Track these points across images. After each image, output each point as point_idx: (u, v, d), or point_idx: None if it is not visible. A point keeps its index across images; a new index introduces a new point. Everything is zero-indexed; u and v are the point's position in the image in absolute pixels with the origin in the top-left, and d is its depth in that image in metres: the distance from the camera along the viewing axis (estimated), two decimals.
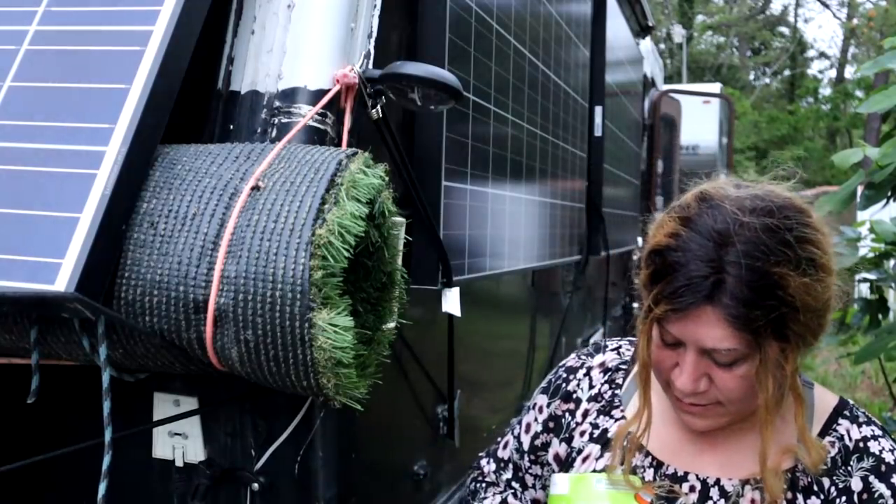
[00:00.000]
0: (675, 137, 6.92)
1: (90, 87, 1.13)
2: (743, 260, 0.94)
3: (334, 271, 1.02)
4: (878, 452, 1.02)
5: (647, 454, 1.09)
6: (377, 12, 1.38)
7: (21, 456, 1.07)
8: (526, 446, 1.21)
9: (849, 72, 25.23)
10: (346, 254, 1.02)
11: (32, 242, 1.02)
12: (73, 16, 1.19)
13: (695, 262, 0.96)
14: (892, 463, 1.01)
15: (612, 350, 1.22)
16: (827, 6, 26.04)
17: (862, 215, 5.15)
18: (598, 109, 3.39)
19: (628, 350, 1.21)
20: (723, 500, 1.04)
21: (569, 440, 1.17)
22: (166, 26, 1.14)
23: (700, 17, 26.97)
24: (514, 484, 1.22)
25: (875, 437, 1.03)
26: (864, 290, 5.92)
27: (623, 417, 1.14)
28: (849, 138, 22.52)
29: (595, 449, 1.13)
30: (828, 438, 1.03)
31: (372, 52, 1.36)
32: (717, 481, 1.05)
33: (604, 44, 3.41)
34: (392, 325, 1.24)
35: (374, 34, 1.37)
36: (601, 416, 1.16)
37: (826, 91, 26.53)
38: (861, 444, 1.03)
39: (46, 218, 1.04)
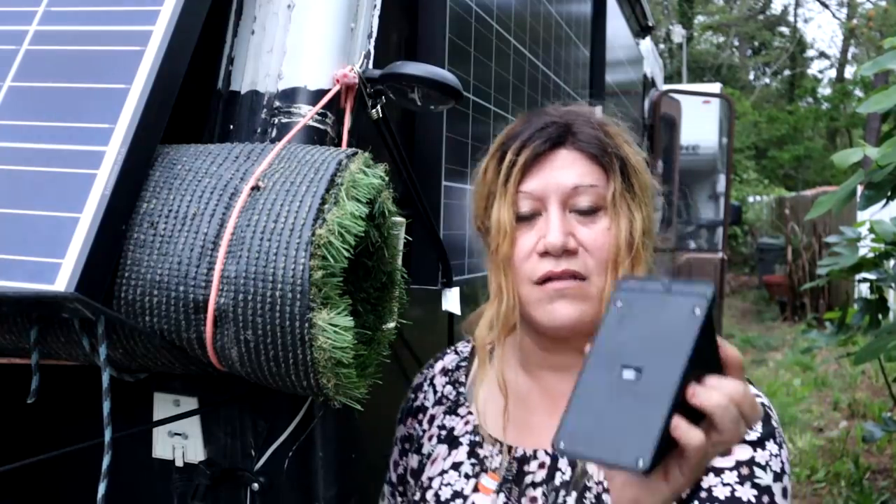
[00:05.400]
0: (675, 137, 6.92)
1: (90, 87, 1.13)
2: (584, 117, 1.11)
3: (334, 271, 1.02)
4: None
5: (496, 441, 1.10)
6: (377, 12, 1.38)
7: (21, 456, 1.07)
8: (395, 480, 1.23)
9: (849, 72, 25.23)
10: (346, 254, 1.02)
11: (32, 242, 1.02)
12: (73, 16, 1.19)
13: (542, 119, 1.10)
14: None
15: (451, 352, 1.25)
16: (826, 6, 26.04)
17: (862, 215, 5.16)
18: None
19: (465, 347, 1.23)
20: (569, 470, 1.05)
21: (419, 449, 1.18)
22: (166, 26, 1.14)
23: (700, 17, 26.96)
24: None
25: None
26: (864, 290, 5.93)
27: (470, 413, 1.15)
28: (849, 138, 22.52)
29: (443, 449, 1.14)
30: None
31: (372, 52, 1.36)
32: None
33: (604, 44, 3.41)
34: (392, 325, 1.24)
35: (374, 34, 1.37)
36: (447, 417, 1.17)
37: (826, 91, 26.53)
38: None
39: (46, 218, 1.04)
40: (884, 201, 2.38)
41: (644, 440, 0.69)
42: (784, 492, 0.99)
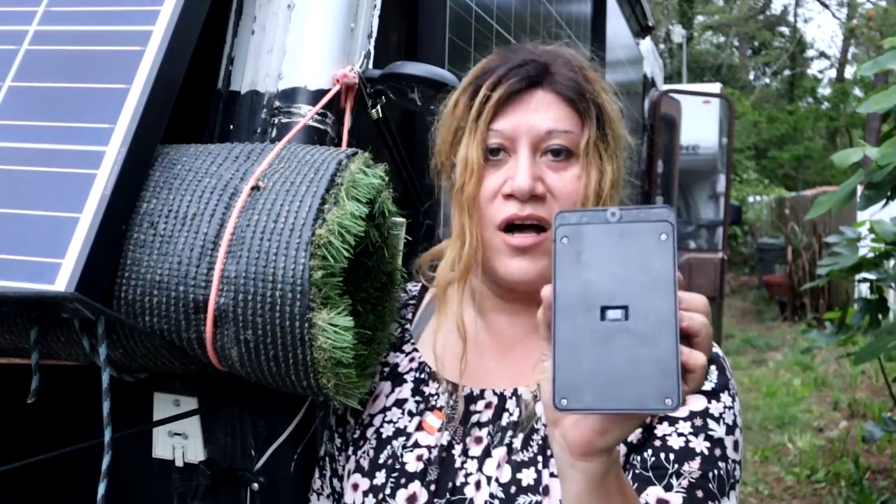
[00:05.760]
0: (675, 137, 6.92)
1: (90, 87, 1.13)
2: (564, 58, 1.05)
3: (334, 271, 1.02)
4: None
5: (443, 380, 1.08)
6: (377, 12, 1.38)
7: (22, 456, 1.07)
8: (334, 423, 1.18)
9: (849, 72, 25.23)
10: (346, 254, 1.02)
11: (32, 242, 1.02)
12: (73, 16, 1.19)
13: (520, 56, 1.05)
14: None
15: (399, 290, 1.22)
16: (826, 6, 26.04)
17: (862, 215, 5.16)
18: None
19: (414, 287, 1.21)
20: (517, 411, 1.03)
21: None
22: (166, 26, 1.14)
23: (700, 17, 26.96)
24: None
25: None
26: (864, 290, 5.93)
27: (415, 350, 1.13)
28: (849, 138, 22.53)
29: (385, 386, 1.12)
30: None
31: (372, 52, 1.36)
32: (515, 391, 1.05)
33: (604, 44, 3.41)
34: (393, 325, 1.23)
35: (374, 34, 1.37)
36: (391, 353, 1.15)
37: (826, 91, 26.55)
38: None
39: (46, 218, 1.04)
40: (884, 201, 2.37)
41: (665, 378, 0.67)
42: (735, 445, 0.98)
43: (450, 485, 1.02)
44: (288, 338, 1.02)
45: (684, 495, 0.93)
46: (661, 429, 0.97)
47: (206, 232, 1.06)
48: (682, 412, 0.97)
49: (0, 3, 1.22)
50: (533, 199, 1.01)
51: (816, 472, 4.98)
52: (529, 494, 0.98)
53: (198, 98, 1.31)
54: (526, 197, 1.00)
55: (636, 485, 0.95)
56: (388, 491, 1.04)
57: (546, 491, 0.98)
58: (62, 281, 0.99)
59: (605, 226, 0.72)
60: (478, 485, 1.01)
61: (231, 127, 1.29)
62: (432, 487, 1.03)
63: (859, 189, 2.48)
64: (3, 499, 1.43)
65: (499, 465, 1.01)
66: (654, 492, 0.94)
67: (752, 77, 28.33)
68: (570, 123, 1.03)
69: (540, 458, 1.00)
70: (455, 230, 1.07)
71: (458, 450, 1.04)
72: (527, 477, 0.99)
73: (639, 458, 0.97)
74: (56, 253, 1.00)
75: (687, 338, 0.71)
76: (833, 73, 27.66)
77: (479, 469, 1.02)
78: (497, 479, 1.00)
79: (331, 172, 1.07)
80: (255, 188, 1.08)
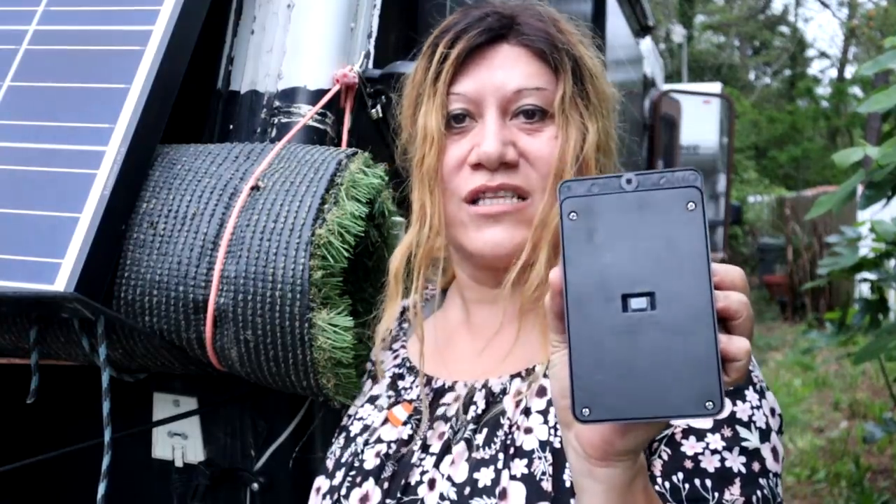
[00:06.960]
0: (675, 137, 6.92)
1: (90, 87, 1.13)
2: (533, 10, 0.94)
3: (334, 271, 1.02)
4: None
5: (417, 373, 1.00)
6: (377, 12, 1.38)
7: (21, 456, 1.07)
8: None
9: (849, 72, 25.24)
10: (346, 254, 1.02)
11: (32, 242, 1.02)
12: (73, 16, 1.19)
13: (483, 9, 0.93)
14: None
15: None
16: (827, 6, 26.04)
17: (862, 215, 5.16)
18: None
19: (432, 290, 1.14)
20: (485, 402, 0.93)
21: None
22: (166, 26, 1.14)
23: (700, 17, 26.96)
24: None
25: None
26: (864, 290, 5.93)
27: (403, 347, 1.08)
28: (849, 138, 22.53)
29: (367, 385, 1.08)
30: None
31: (372, 52, 1.36)
32: (486, 384, 0.95)
33: (604, 43, 3.41)
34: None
35: (374, 34, 1.37)
36: (382, 353, 1.09)
37: (826, 91, 26.56)
38: None
39: (46, 218, 1.04)
40: (884, 201, 2.37)
41: (704, 378, 0.57)
42: (774, 453, 0.84)
43: (403, 482, 0.93)
44: (288, 338, 1.02)
45: None
46: (689, 445, 0.83)
47: (205, 232, 1.06)
48: (706, 422, 0.83)
49: (0, 3, 1.22)
50: (504, 166, 0.89)
51: (817, 473, 4.98)
52: (484, 497, 0.87)
53: (198, 98, 1.31)
54: (495, 165, 0.89)
55: None
56: (343, 491, 0.96)
57: (503, 495, 0.86)
58: (62, 281, 0.99)
59: (620, 195, 0.61)
60: (431, 483, 0.91)
61: (231, 127, 1.29)
62: (385, 485, 0.94)
63: (860, 189, 2.48)
64: (3, 499, 1.43)
65: (453, 462, 0.91)
66: None
67: (752, 77, 28.32)
68: (542, 79, 0.92)
69: (501, 457, 0.89)
70: (414, 210, 0.95)
71: (417, 444, 0.96)
72: (484, 477, 0.88)
73: (668, 484, 0.82)
74: (56, 253, 1.00)
75: (723, 321, 0.61)
76: (833, 73, 27.67)
77: (436, 466, 0.92)
78: (451, 478, 0.90)
79: (331, 172, 1.07)
80: (255, 188, 1.08)
